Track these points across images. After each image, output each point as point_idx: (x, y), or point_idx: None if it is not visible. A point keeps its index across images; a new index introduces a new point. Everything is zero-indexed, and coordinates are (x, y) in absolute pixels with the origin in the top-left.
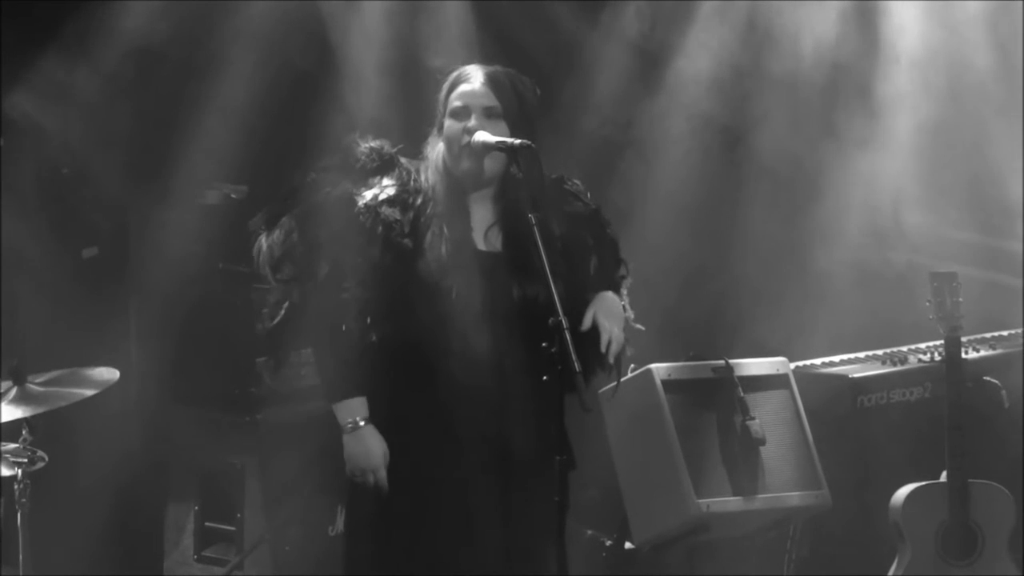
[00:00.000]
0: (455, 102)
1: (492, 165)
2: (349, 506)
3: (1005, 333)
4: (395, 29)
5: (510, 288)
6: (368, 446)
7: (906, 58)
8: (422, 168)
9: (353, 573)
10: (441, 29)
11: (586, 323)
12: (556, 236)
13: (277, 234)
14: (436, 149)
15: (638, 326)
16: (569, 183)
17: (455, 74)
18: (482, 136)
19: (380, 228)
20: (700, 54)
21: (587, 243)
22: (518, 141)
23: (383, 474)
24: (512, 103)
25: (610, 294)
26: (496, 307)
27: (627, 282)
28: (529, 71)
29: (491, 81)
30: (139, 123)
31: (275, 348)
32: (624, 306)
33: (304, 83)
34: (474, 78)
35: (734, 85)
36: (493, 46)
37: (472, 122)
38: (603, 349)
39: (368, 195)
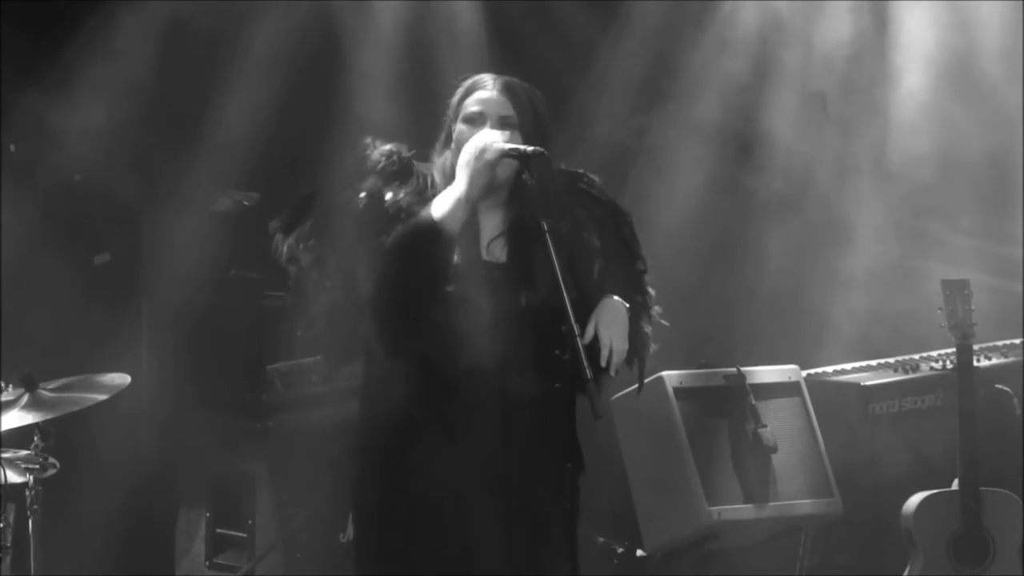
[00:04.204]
0: (471, 108)
1: (503, 173)
2: (355, 511)
3: (1017, 341)
4: (407, 34)
5: (515, 298)
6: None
7: (920, 63)
8: (432, 173)
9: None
10: (452, 35)
11: (588, 335)
12: (564, 242)
13: (295, 238)
14: (444, 156)
15: (663, 322)
16: (585, 181)
17: (469, 81)
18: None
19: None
20: (712, 61)
21: (592, 246)
22: (531, 148)
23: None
24: (527, 114)
25: (615, 299)
26: (500, 317)
27: (647, 277)
28: (541, 76)
29: (507, 90)
30: (151, 129)
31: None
32: (645, 300)
33: (315, 89)
34: (490, 85)
35: (746, 92)
36: (505, 51)
37: (487, 127)
38: (603, 363)
39: (387, 197)
